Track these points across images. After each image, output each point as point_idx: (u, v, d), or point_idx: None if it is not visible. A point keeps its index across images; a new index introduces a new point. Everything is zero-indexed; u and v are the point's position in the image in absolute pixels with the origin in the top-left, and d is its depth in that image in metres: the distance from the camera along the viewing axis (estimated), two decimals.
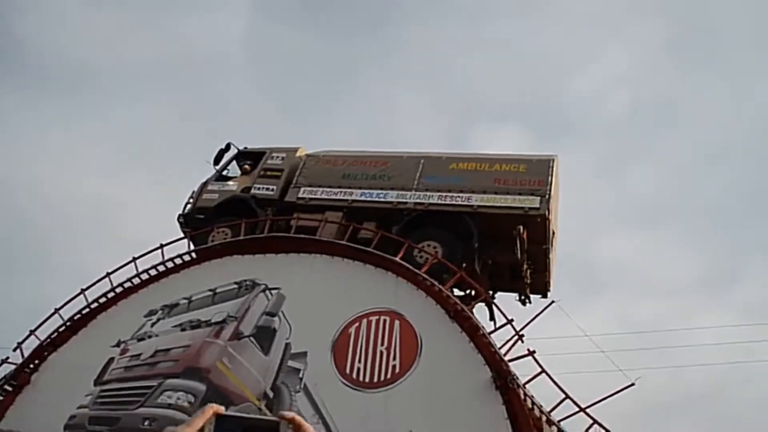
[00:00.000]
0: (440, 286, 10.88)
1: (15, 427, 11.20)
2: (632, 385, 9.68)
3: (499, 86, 50.61)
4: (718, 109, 46.30)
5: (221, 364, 10.83)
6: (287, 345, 10.90)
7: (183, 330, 11.47)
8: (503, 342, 10.26)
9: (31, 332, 12.03)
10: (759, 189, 45.98)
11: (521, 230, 12.17)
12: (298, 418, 1.46)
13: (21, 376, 11.61)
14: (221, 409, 1.39)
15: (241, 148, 15.06)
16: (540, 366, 9.71)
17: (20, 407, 11.39)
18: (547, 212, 12.26)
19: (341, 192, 13.40)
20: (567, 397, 9.39)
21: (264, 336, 10.98)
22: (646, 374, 10.94)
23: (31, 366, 11.76)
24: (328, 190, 13.49)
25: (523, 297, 13.84)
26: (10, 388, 11.54)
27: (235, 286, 11.79)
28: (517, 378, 9.61)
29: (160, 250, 12.65)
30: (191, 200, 14.33)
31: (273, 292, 11.49)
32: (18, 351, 11.86)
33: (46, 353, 11.94)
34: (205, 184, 14.51)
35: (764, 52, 44.68)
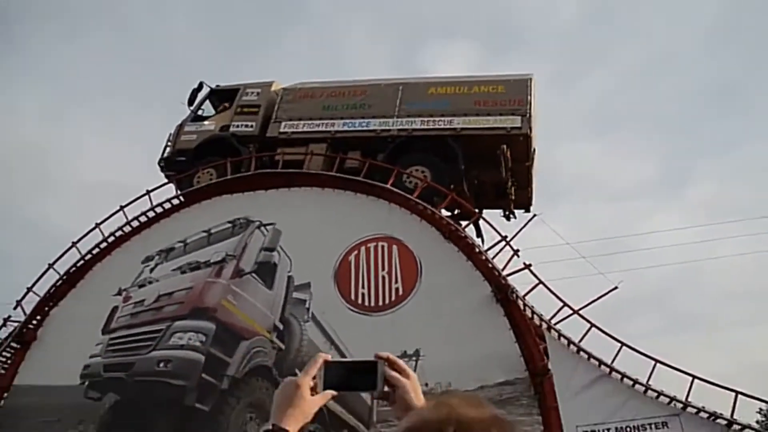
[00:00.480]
0: (433, 209, 11.24)
1: (31, 381, 11.49)
2: (616, 288, 10.38)
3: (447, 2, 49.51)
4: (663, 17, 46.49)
5: (227, 302, 11.16)
6: (290, 278, 11.25)
7: (183, 273, 11.68)
8: (495, 257, 10.82)
9: (29, 289, 12.07)
10: (703, 94, 47.09)
11: (505, 149, 12.47)
12: (392, 356, 1.52)
13: (27, 333, 11.78)
14: (328, 356, 1.47)
15: (213, 86, 14.76)
16: (537, 277, 10.33)
17: (32, 362, 11.62)
18: (529, 131, 12.51)
19: (323, 124, 13.34)
20: (564, 304, 10.04)
21: (265, 271, 11.27)
22: (614, 275, 11.60)
23: (35, 322, 11.90)
24: (310, 122, 13.41)
25: (507, 213, 14.27)
26: (18, 345, 11.73)
27: (229, 225, 11.93)
28: (517, 291, 10.21)
29: (147, 196, 12.60)
30: (169, 143, 14.11)
31: (268, 227, 11.69)
32: (19, 309, 11.96)
33: (47, 308, 12.07)
34: (181, 125, 14.23)
35: None
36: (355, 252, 11.28)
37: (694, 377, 9.35)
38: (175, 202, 12.74)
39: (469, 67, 59.35)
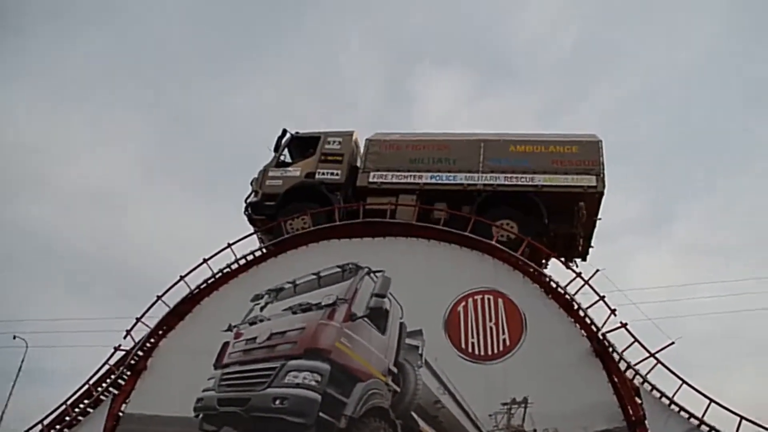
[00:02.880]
0: (536, 267, 12.72)
1: (141, 410, 12.24)
2: (673, 343, 11.94)
3: (441, 29, 52.11)
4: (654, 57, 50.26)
5: (341, 344, 12.22)
6: (402, 324, 12.44)
7: (294, 313, 12.68)
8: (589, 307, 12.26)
9: (138, 320, 12.86)
10: (690, 134, 50.76)
11: (582, 206, 14.13)
12: None
13: (138, 362, 12.54)
14: None
15: (293, 132, 15.93)
16: (632, 335, 11.77)
17: (142, 391, 12.37)
18: (603, 189, 14.20)
19: (411, 176, 14.68)
20: (657, 361, 11.56)
21: (377, 316, 12.40)
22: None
23: (142, 351, 12.68)
24: (398, 174, 14.74)
25: (567, 262, 15.84)
26: (129, 373, 12.48)
27: (339, 269, 13.04)
28: (614, 346, 11.73)
29: (255, 235, 13.66)
30: (254, 189, 15.14)
31: (377, 274, 12.86)
32: (129, 338, 12.72)
33: (154, 339, 12.87)
34: (264, 171, 15.34)
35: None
36: (463, 303, 12.61)
37: None
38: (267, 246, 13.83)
39: (461, 95, 61.85)
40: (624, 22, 53.28)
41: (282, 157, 15.76)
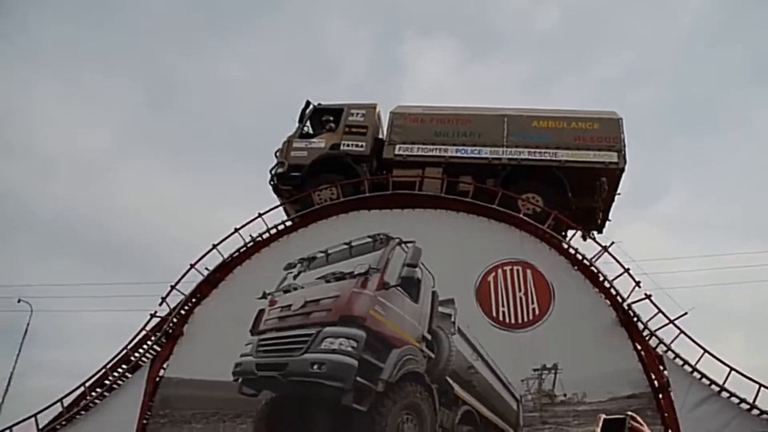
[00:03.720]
0: (561, 239, 13.28)
1: (179, 374, 12.68)
2: (686, 314, 12.59)
3: None
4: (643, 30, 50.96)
5: (375, 312, 12.68)
6: (434, 293, 12.94)
7: (327, 282, 13.08)
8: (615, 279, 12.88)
9: (173, 287, 13.20)
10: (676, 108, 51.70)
11: (604, 181, 14.67)
12: (635, 416, 2.13)
13: (175, 329, 12.93)
14: (603, 415, 2.18)
15: (315, 104, 16.17)
16: (656, 306, 12.40)
17: (179, 356, 12.80)
18: (624, 165, 14.73)
19: (437, 149, 15.04)
20: (681, 331, 12.22)
21: (410, 285, 12.86)
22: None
23: (177, 318, 13.07)
24: (424, 147, 15.09)
25: (584, 234, 16.39)
26: (165, 339, 12.87)
27: (370, 240, 13.44)
28: (639, 316, 12.37)
29: (281, 207, 14.03)
30: (280, 160, 15.37)
31: (408, 245, 13.30)
32: (164, 305, 13.09)
33: (189, 306, 13.25)
34: (289, 142, 15.58)
35: None
36: (493, 273, 13.14)
37: None
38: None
39: (449, 65, 62.25)
40: None
41: (305, 129, 16.05)
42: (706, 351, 12.12)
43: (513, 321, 12.72)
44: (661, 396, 11.94)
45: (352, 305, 12.70)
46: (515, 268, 13.19)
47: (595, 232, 16.32)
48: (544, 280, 13.00)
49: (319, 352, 12.26)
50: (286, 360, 12.41)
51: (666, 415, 11.74)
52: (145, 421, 12.24)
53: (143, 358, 12.87)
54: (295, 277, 13.41)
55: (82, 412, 12.34)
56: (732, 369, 12.04)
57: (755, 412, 11.75)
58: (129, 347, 12.90)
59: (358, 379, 11.90)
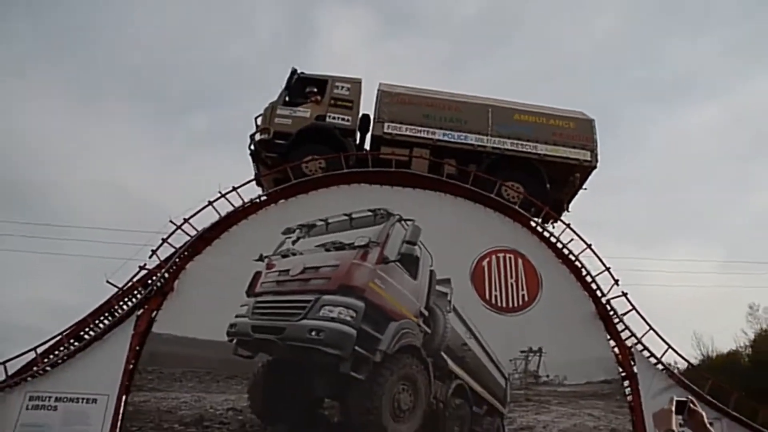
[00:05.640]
0: (551, 233, 14.43)
1: (168, 330, 12.36)
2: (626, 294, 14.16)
3: None
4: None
5: (374, 285, 13.06)
6: (432, 272, 13.56)
7: (327, 250, 13.27)
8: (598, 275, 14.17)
9: (164, 240, 12.79)
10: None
11: (577, 176, 16.12)
12: (694, 400, 3.02)
13: (165, 283, 12.59)
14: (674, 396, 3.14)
15: (299, 73, 16.29)
16: (631, 304, 13.83)
17: (170, 312, 12.44)
18: (596, 164, 16.21)
19: (425, 131, 15.74)
20: (650, 328, 13.72)
21: (409, 262, 13.32)
22: None
23: (170, 272, 12.74)
24: (412, 127, 15.72)
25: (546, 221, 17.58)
26: (154, 293, 12.49)
27: (370, 213, 13.79)
28: (616, 310, 13.76)
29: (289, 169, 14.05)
30: (263, 127, 15.37)
31: (408, 222, 13.81)
32: (154, 258, 12.68)
33: (181, 261, 12.94)
34: (272, 109, 15.60)
35: None
36: (488, 259, 14.03)
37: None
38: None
39: (363, 37, 63.26)
40: None
41: (286, 97, 16.10)
42: (669, 347, 13.76)
43: (504, 305, 13.69)
44: (629, 383, 13.41)
45: (351, 275, 12.99)
46: (508, 255, 14.17)
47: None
48: (534, 270, 14.10)
49: (318, 319, 12.43)
50: (283, 324, 12.48)
51: (632, 400, 13.22)
52: (130, 377, 11.87)
53: (130, 312, 12.41)
54: (294, 243, 13.50)
55: (59, 362, 11.74)
56: (690, 364, 13.85)
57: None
58: (113, 298, 12.42)
59: (357, 348, 12.20)
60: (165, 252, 12.95)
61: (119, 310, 12.59)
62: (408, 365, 12.60)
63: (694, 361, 14.34)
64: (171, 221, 13.10)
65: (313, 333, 12.32)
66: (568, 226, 14.37)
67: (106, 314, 12.48)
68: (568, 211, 17.33)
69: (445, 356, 12.91)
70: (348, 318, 12.53)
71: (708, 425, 3.12)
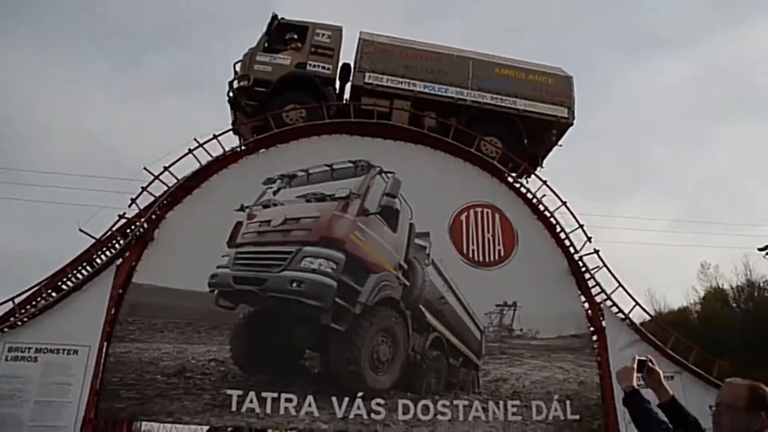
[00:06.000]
0: (528, 189, 14.67)
1: (149, 281, 12.31)
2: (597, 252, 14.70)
3: None
4: None
5: (354, 237, 13.21)
6: (411, 225, 13.72)
7: (308, 201, 13.28)
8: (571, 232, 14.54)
9: (143, 189, 12.56)
10: None
11: (555, 133, 16.33)
12: (653, 359, 3.82)
13: (146, 232, 12.45)
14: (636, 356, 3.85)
15: (279, 18, 15.81)
16: (602, 261, 14.27)
17: (150, 262, 12.34)
18: (573, 121, 16.40)
19: (406, 82, 15.58)
20: (620, 284, 14.22)
21: (389, 215, 13.47)
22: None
23: (150, 221, 12.59)
24: (393, 78, 15.53)
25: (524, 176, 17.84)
26: (134, 242, 12.36)
27: (351, 165, 13.79)
28: (587, 266, 14.21)
29: (270, 118, 13.80)
30: (243, 74, 14.99)
31: (389, 175, 13.86)
32: (134, 206, 12.48)
33: (160, 210, 12.78)
34: (252, 55, 15.19)
35: None
36: (465, 213, 14.22)
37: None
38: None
39: None
40: None
41: (265, 43, 15.67)
42: (637, 303, 14.35)
43: (481, 259, 13.99)
44: (597, 338, 14.00)
45: (332, 227, 13.11)
46: (485, 210, 14.39)
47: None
48: (510, 225, 14.37)
49: (299, 270, 12.60)
50: (264, 275, 12.60)
51: (600, 354, 13.84)
52: (111, 327, 11.85)
53: (109, 262, 12.28)
54: (275, 193, 13.44)
55: (38, 313, 11.63)
56: (652, 317, 14.46)
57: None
58: (92, 246, 12.26)
59: (337, 299, 12.47)
60: (143, 201, 12.77)
61: (98, 260, 12.46)
62: (387, 317, 12.93)
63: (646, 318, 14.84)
64: (145, 169, 12.83)
65: (294, 284, 12.50)
66: (544, 183, 14.59)
67: (85, 264, 12.35)
68: (542, 167, 17.66)
69: (423, 309, 13.24)
70: (329, 270, 12.72)
71: (664, 382, 3.47)
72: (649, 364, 3.65)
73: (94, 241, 12.22)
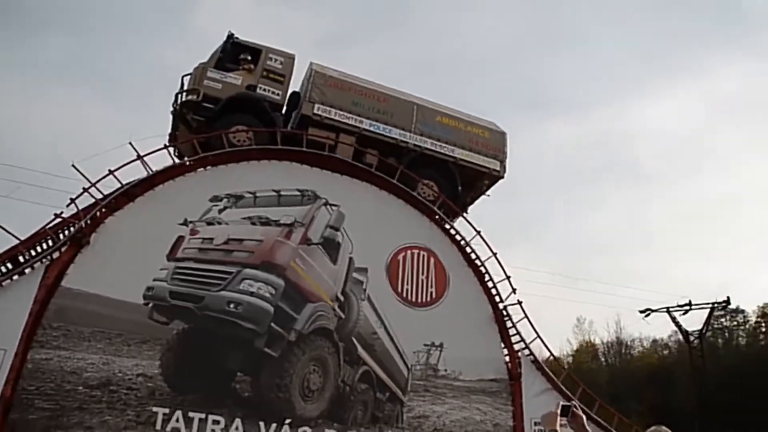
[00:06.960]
0: (463, 237, 15.38)
1: (80, 285, 11.75)
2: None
3: None
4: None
5: (295, 264, 13.29)
6: (351, 259, 13.99)
7: (253, 224, 13.27)
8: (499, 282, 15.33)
9: (85, 190, 12.06)
10: None
11: (486, 183, 17.31)
12: (578, 404, 4.93)
13: (83, 235, 11.90)
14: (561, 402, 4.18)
15: (235, 38, 15.96)
16: (524, 313, 15.12)
17: (83, 267, 11.78)
18: (504, 174, 17.44)
19: (354, 118, 16.06)
20: (538, 336, 15.12)
21: (330, 246, 13.70)
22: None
23: (87, 224, 12.07)
24: (341, 113, 15.98)
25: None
26: (68, 244, 11.80)
27: (298, 193, 13.94)
28: (510, 316, 15.02)
29: (223, 136, 13.77)
30: (192, 87, 14.93)
31: (334, 207, 14.13)
32: (72, 206, 11.96)
33: (100, 214, 12.31)
34: (203, 70, 15.18)
35: None
36: (403, 254, 14.70)
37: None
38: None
39: None
40: None
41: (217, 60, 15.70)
42: (552, 355, 15.31)
43: (414, 299, 14.46)
44: (513, 384, 14.73)
45: (274, 252, 13.15)
46: (422, 253, 14.95)
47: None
48: (443, 269, 15.01)
49: (238, 292, 12.51)
50: (202, 293, 12.38)
51: (515, 399, 14.55)
52: (32, 331, 11.17)
53: (38, 262, 11.66)
54: (220, 212, 13.32)
55: None
56: (567, 372, 15.40)
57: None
58: (20, 243, 11.62)
59: (273, 325, 12.47)
60: (83, 203, 12.30)
61: (24, 258, 11.81)
62: (320, 347, 13.03)
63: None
64: (73, 166, 12.32)
65: (232, 305, 12.39)
66: (478, 233, 15.37)
67: (7, 262, 11.66)
68: (467, 213, 18.57)
69: (355, 342, 13.45)
70: (267, 294, 12.72)
71: (587, 426, 3.98)
72: (574, 409, 3.82)
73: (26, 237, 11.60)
